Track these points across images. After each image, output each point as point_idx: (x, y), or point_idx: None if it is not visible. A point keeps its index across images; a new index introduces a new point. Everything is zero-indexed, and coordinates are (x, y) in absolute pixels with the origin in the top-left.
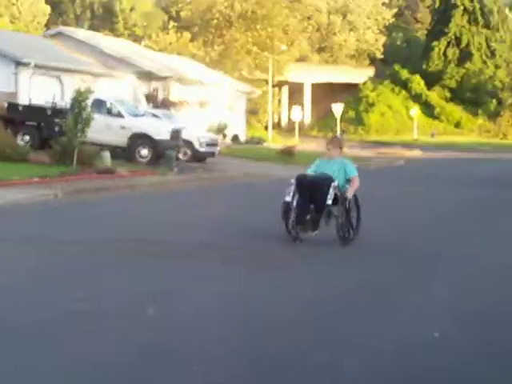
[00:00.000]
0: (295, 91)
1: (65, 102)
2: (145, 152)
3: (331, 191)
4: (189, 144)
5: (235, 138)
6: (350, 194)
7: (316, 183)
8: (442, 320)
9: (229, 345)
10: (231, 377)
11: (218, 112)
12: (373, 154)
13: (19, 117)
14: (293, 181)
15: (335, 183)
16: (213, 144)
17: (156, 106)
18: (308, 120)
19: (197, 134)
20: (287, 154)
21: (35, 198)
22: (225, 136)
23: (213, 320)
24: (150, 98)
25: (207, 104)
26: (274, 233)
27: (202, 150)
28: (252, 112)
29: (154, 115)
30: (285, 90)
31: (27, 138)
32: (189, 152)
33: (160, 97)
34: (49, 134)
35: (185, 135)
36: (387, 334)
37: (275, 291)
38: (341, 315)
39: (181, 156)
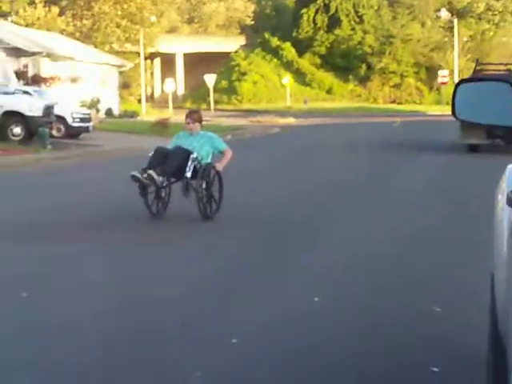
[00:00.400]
0: (167, 63)
1: None
2: (17, 130)
3: (189, 163)
4: (62, 120)
5: (109, 113)
6: (221, 167)
7: (172, 155)
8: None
9: (108, 321)
10: (106, 355)
11: (91, 87)
12: (247, 123)
13: None
14: (151, 154)
15: (194, 155)
16: (86, 119)
17: (27, 83)
18: (181, 92)
19: (69, 109)
20: (161, 126)
21: None
22: (98, 111)
23: (91, 298)
24: (20, 75)
25: (79, 79)
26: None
27: (76, 125)
28: (125, 86)
29: (25, 92)
30: (157, 62)
31: None
32: (62, 128)
33: (30, 73)
34: None
35: (57, 111)
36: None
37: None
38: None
39: (54, 132)
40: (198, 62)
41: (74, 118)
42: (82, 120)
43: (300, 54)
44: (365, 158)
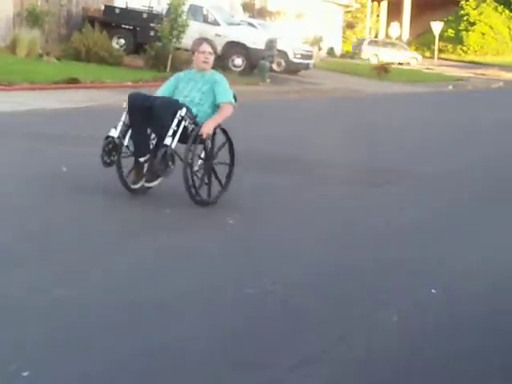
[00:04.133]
0: (394, 7)
1: (161, 6)
2: (239, 61)
3: (174, 124)
4: (283, 55)
5: (330, 52)
6: (207, 129)
7: (153, 109)
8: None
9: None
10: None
11: (315, 24)
12: (470, 75)
13: (115, 20)
14: (125, 105)
15: (182, 112)
16: (307, 56)
17: (252, 16)
18: (405, 37)
19: (292, 45)
20: (382, 70)
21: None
22: (320, 49)
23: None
24: (247, 7)
25: (304, 16)
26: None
27: (296, 61)
28: (349, 26)
29: (250, 24)
30: (384, 4)
31: (122, 41)
32: (283, 63)
33: (257, 6)
34: (144, 38)
35: (280, 46)
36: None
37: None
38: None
39: (274, 66)
40: (425, 8)
41: (295, 54)
42: (303, 57)
43: None
44: None
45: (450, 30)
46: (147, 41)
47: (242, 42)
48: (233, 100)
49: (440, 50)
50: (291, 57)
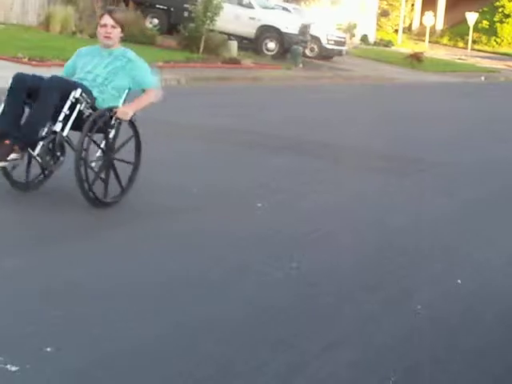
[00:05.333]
0: None
1: None
2: (272, 45)
3: (67, 106)
4: (316, 40)
5: (364, 39)
6: (127, 112)
7: (40, 90)
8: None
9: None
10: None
11: (349, 11)
12: (503, 67)
13: None
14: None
15: (76, 93)
16: (340, 42)
17: (287, 0)
18: (439, 27)
19: (325, 31)
20: (415, 59)
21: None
22: (353, 36)
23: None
24: None
25: (338, 1)
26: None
27: (329, 47)
28: (384, 14)
29: (284, 9)
30: None
31: (156, 21)
32: (316, 48)
33: None
34: (177, 19)
35: (313, 31)
36: None
37: None
38: None
39: (307, 52)
40: None
41: (328, 40)
42: (337, 43)
43: None
44: None
45: (484, 21)
46: (181, 22)
47: (276, 26)
48: (158, 83)
49: (474, 41)
50: (324, 43)
